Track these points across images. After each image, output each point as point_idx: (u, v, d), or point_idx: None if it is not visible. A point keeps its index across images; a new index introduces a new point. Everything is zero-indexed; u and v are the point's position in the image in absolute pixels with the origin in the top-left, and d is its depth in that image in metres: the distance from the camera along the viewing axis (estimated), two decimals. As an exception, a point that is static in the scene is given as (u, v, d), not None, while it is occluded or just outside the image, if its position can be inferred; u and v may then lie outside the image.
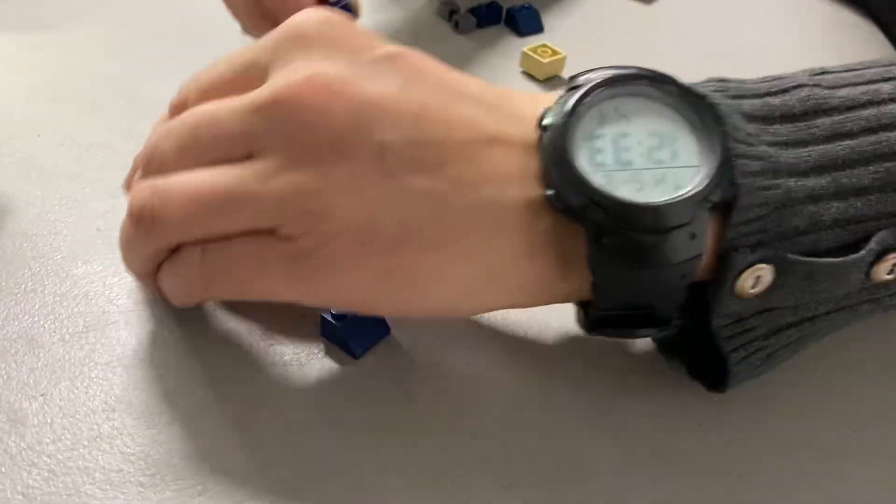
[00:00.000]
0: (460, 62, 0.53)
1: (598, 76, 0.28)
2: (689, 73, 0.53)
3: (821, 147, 0.27)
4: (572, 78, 0.28)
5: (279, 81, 0.26)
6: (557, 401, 0.31)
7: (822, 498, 0.29)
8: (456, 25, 0.55)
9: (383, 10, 0.58)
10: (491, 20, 0.56)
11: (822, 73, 0.30)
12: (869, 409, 0.32)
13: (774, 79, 0.30)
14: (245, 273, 0.27)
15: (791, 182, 0.27)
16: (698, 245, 0.26)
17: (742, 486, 0.29)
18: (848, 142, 0.27)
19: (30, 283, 0.34)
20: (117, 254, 0.35)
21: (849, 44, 0.59)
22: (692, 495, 0.29)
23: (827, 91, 0.29)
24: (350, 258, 0.26)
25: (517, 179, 0.26)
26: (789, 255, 0.27)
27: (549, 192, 0.26)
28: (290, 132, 0.26)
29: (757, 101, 0.28)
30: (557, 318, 0.35)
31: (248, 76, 0.28)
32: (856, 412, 0.32)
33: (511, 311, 0.35)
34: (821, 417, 0.32)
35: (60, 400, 0.29)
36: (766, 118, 0.28)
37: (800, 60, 0.57)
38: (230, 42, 0.52)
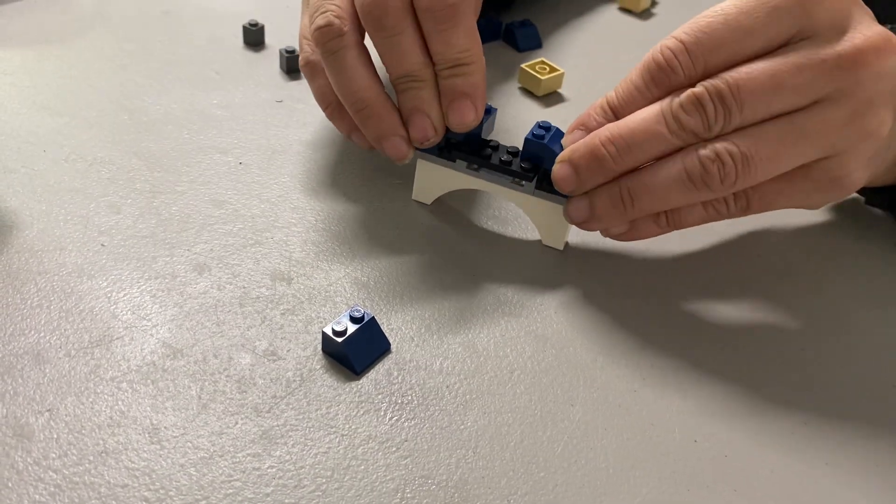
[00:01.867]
0: (460, 78, 0.53)
1: None
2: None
3: None
4: None
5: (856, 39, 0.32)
6: (552, 417, 0.32)
7: (814, 514, 0.30)
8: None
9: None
10: (490, 36, 0.57)
11: None
12: (865, 419, 0.33)
13: None
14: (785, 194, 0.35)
15: None
16: None
17: (737, 499, 0.30)
18: None
19: (35, 299, 0.34)
20: (122, 269, 0.36)
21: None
22: (687, 511, 0.29)
23: None
24: (864, 156, 0.34)
25: None
26: None
27: None
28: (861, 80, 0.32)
29: None
30: (553, 335, 0.35)
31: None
32: (851, 425, 0.33)
33: (508, 329, 0.35)
34: (815, 430, 0.32)
35: (66, 415, 0.30)
36: None
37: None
38: (232, 59, 0.52)
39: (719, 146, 0.32)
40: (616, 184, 0.35)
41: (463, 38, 0.36)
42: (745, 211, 0.35)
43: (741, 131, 0.33)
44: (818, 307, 0.38)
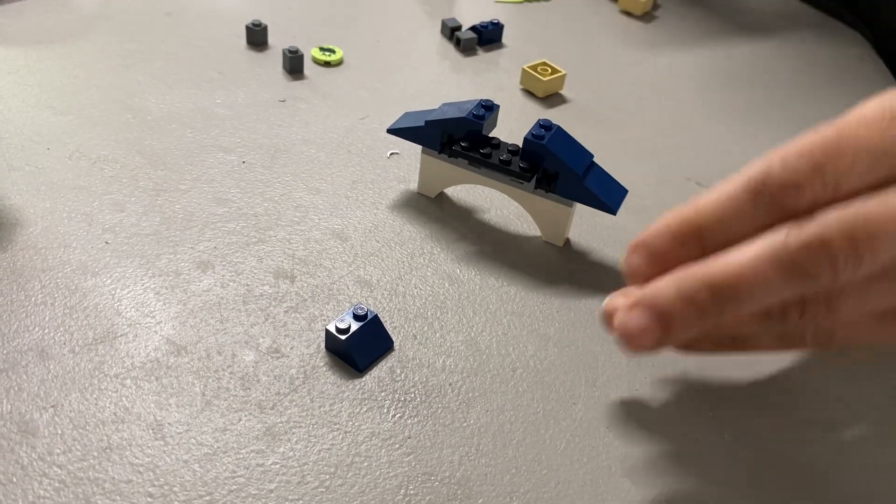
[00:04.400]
0: (462, 80, 0.53)
1: None
2: (687, 85, 0.54)
3: None
4: None
5: None
6: (555, 416, 0.32)
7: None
8: (458, 44, 0.56)
9: (389, 31, 0.59)
10: (492, 39, 0.57)
11: None
12: (867, 418, 0.33)
13: None
14: None
15: None
16: None
17: (740, 498, 0.30)
18: None
19: (40, 296, 0.34)
20: (126, 266, 0.36)
21: (839, 53, 0.60)
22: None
23: None
24: None
25: None
26: None
27: None
28: None
29: None
30: (555, 334, 0.35)
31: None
32: (854, 422, 0.33)
33: (510, 328, 0.35)
34: (815, 426, 0.33)
35: (71, 411, 0.30)
36: None
37: (791, 72, 0.58)
38: (235, 59, 0.52)
39: (828, 232, 0.26)
40: (693, 282, 0.27)
41: None
42: (808, 342, 0.30)
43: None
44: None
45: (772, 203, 0.26)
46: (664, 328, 0.27)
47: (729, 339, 0.31)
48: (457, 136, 0.39)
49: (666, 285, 0.27)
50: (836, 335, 0.30)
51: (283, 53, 0.51)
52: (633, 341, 0.27)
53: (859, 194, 0.26)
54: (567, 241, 0.40)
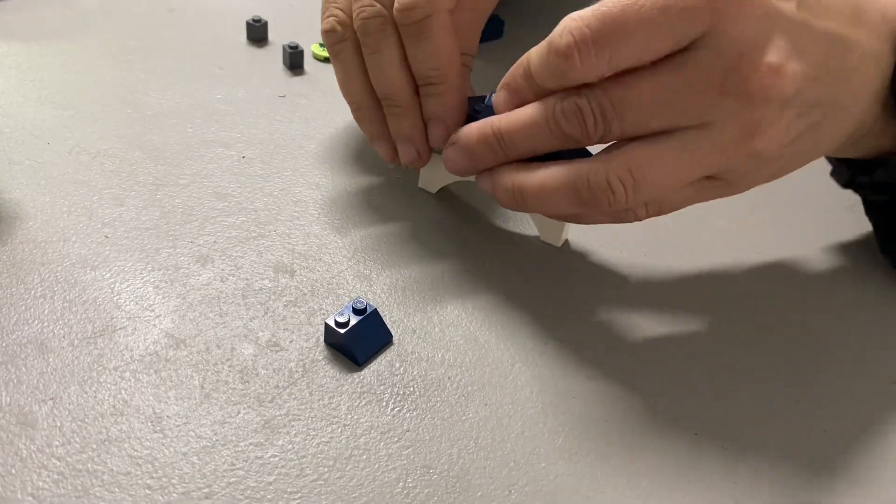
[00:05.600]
0: (462, 75, 0.53)
1: None
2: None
3: None
4: None
5: None
6: (553, 409, 0.32)
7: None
8: (458, 39, 0.56)
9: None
10: (492, 34, 0.57)
11: None
12: (866, 414, 0.33)
13: None
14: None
15: None
16: None
17: (737, 493, 0.30)
18: None
19: (39, 289, 0.34)
20: (125, 260, 0.36)
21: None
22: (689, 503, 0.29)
23: None
24: (751, 172, 0.33)
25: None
26: None
27: None
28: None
29: None
30: (557, 327, 0.35)
31: None
32: (851, 420, 0.33)
33: (509, 321, 0.35)
34: (814, 425, 0.33)
35: (70, 404, 0.30)
36: None
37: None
38: (235, 55, 0.52)
39: (612, 174, 0.31)
40: (511, 177, 0.34)
41: (431, 56, 0.36)
42: (641, 218, 0.34)
43: (634, 150, 0.31)
44: (821, 306, 0.38)
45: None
46: (470, 158, 0.35)
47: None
48: None
49: (472, 128, 0.35)
50: (642, 212, 0.34)
51: (284, 49, 0.51)
52: (450, 164, 0.36)
53: (630, 70, 0.31)
54: (566, 243, 0.40)
